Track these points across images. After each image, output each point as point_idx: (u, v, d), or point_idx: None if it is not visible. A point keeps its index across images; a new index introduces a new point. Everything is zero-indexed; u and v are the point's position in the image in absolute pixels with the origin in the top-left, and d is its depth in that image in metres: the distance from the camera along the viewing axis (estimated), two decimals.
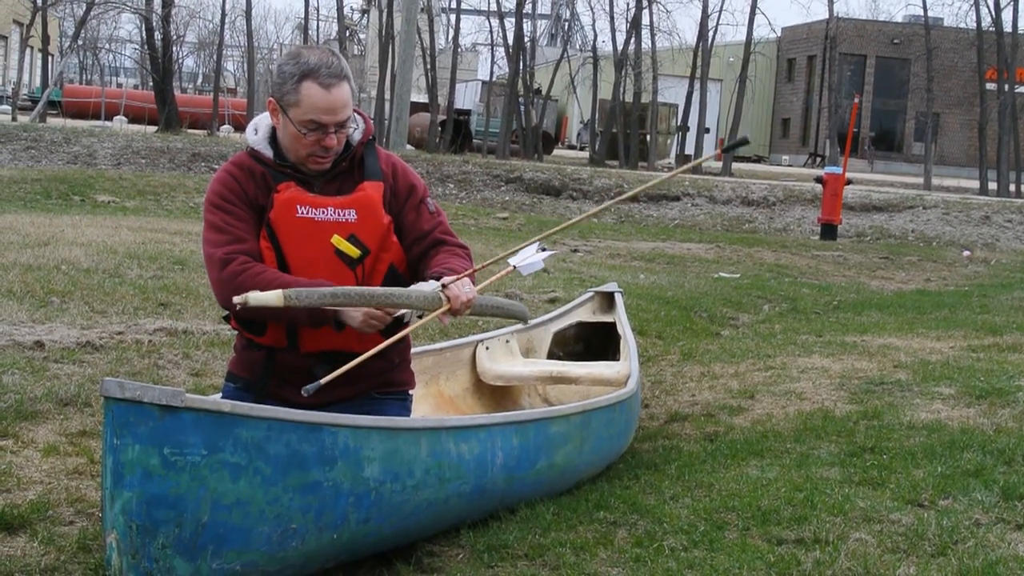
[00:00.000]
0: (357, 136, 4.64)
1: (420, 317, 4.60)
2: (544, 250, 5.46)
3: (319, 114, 4.42)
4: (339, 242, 4.47)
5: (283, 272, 4.46)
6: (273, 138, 4.61)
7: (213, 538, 3.75)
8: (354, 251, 4.48)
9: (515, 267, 5.36)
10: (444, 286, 4.45)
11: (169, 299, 9.53)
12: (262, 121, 4.66)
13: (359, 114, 4.68)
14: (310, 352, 4.56)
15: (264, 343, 4.60)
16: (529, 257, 5.38)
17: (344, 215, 4.52)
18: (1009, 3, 49.59)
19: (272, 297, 4.13)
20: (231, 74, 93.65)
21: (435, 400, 6.41)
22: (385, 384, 4.77)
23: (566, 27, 67.86)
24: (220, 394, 4.83)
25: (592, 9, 79.50)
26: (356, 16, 77.76)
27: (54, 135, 31.42)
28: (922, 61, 54.51)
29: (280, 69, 4.51)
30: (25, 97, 58.73)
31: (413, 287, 4.47)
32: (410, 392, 4.91)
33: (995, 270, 20.48)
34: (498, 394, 6.90)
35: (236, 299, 4.11)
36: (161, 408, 3.64)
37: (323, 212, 4.50)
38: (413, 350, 5.40)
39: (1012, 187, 47.35)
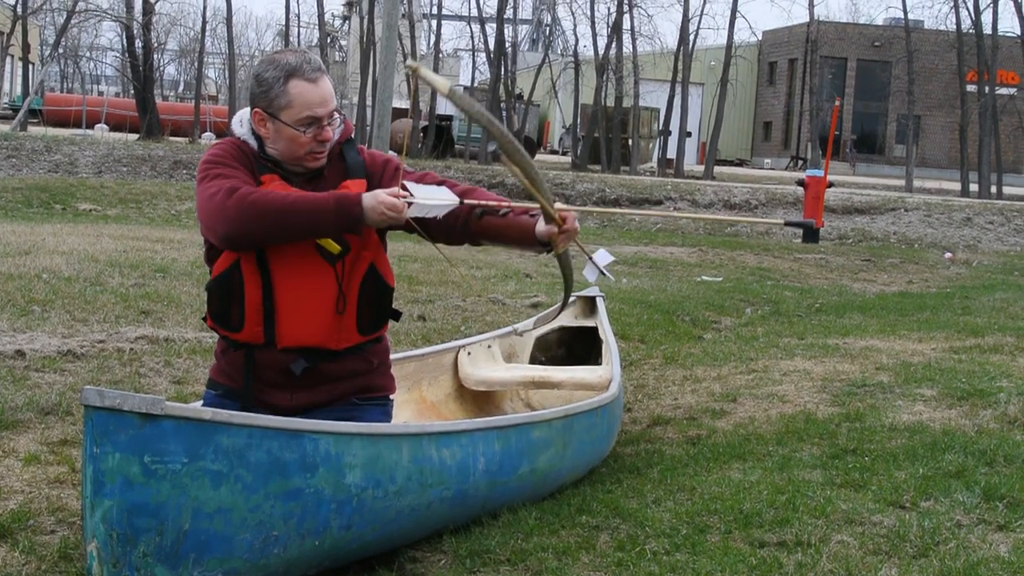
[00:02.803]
0: (335, 136, 4.64)
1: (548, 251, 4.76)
2: (603, 274, 5.55)
3: (314, 108, 4.44)
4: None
5: (264, 273, 4.47)
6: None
7: (195, 546, 3.73)
8: (335, 247, 4.48)
9: (590, 256, 5.43)
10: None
11: (151, 307, 9.52)
12: (246, 114, 4.64)
13: (338, 113, 4.68)
14: (288, 348, 4.54)
15: (241, 339, 4.58)
16: (599, 260, 5.45)
17: None
18: (989, 5, 49.89)
19: (440, 81, 4.20)
20: (212, 81, 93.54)
21: (417, 406, 6.40)
22: (365, 389, 4.76)
23: (547, 32, 67.96)
24: (201, 402, 4.82)
25: (573, 14, 79.36)
26: (337, 22, 77.81)
27: (35, 144, 31.38)
28: (903, 63, 54.71)
29: (260, 78, 4.49)
30: (6, 106, 58.63)
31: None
32: (391, 398, 4.90)
33: (977, 271, 20.54)
34: (480, 399, 6.90)
35: (409, 62, 4.19)
36: (141, 416, 3.62)
37: None
38: (394, 355, 5.40)
39: (993, 188, 47.50)
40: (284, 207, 4.34)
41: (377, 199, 4.36)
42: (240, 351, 4.62)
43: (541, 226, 4.60)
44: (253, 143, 4.60)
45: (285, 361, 4.57)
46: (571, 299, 5.60)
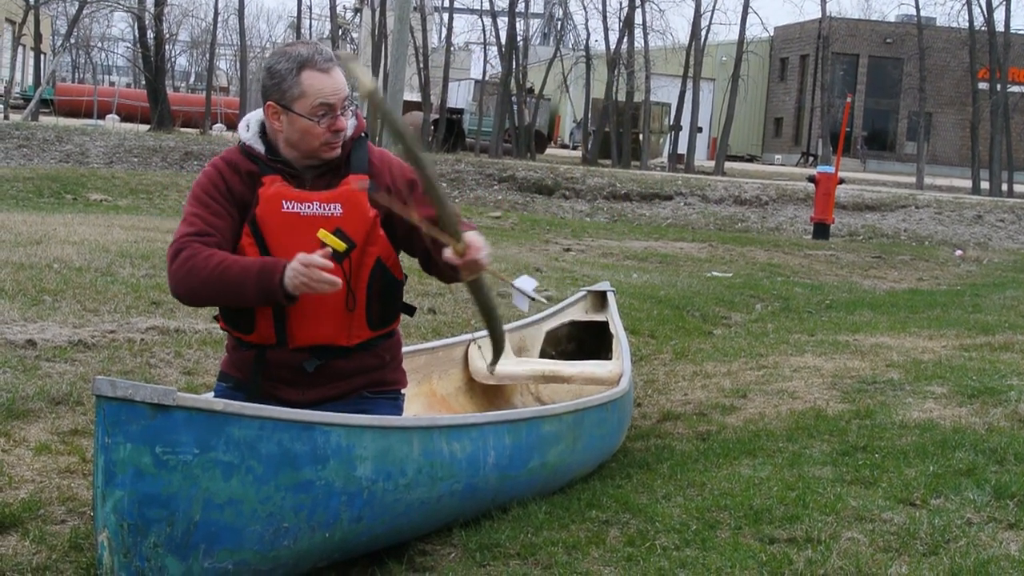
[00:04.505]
0: (348, 132, 4.63)
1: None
2: (533, 299, 5.47)
3: (327, 96, 4.44)
4: (325, 236, 4.43)
5: None
6: (263, 133, 4.60)
7: (205, 537, 3.74)
8: (340, 245, 4.45)
9: (513, 284, 5.35)
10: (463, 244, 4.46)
11: (161, 298, 9.51)
12: (253, 118, 4.64)
13: (353, 112, 4.67)
14: (299, 347, 4.56)
15: (253, 341, 4.59)
16: (527, 289, 5.36)
17: (330, 209, 4.50)
18: (1001, 3, 49.81)
19: (365, 80, 4.06)
20: (224, 72, 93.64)
21: (427, 399, 6.40)
22: (377, 383, 4.76)
23: (559, 26, 67.79)
24: (212, 393, 4.82)
25: (585, 8, 79.53)
26: (349, 15, 77.72)
27: (46, 133, 31.43)
28: (915, 60, 54.62)
29: (272, 70, 4.48)
30: (17, 95, 58.70)
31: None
32: (402, 391, 4.90)
33: (987, 269, 20.51)
34: (491, 393, 6.89)
35: (340, 51, 4.19)
36: (153, 407, 3.63)
37: (308, 207, 4.48)
38: (405, 349, 5.40)
39: (1004, 186, 47.44)
40: (214, 276, 4.36)
41: (297, 259, 4.29)
42: (252, 350, 4.63)
43: (448, 252, 4.41)
44: (259, 147, 4.58)
45: (297, 360, 4.58)
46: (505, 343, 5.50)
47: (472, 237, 4.40)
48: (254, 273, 4.34)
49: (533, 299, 5.47)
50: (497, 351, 5.55)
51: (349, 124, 4.61)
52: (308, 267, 4.25)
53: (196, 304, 4.59)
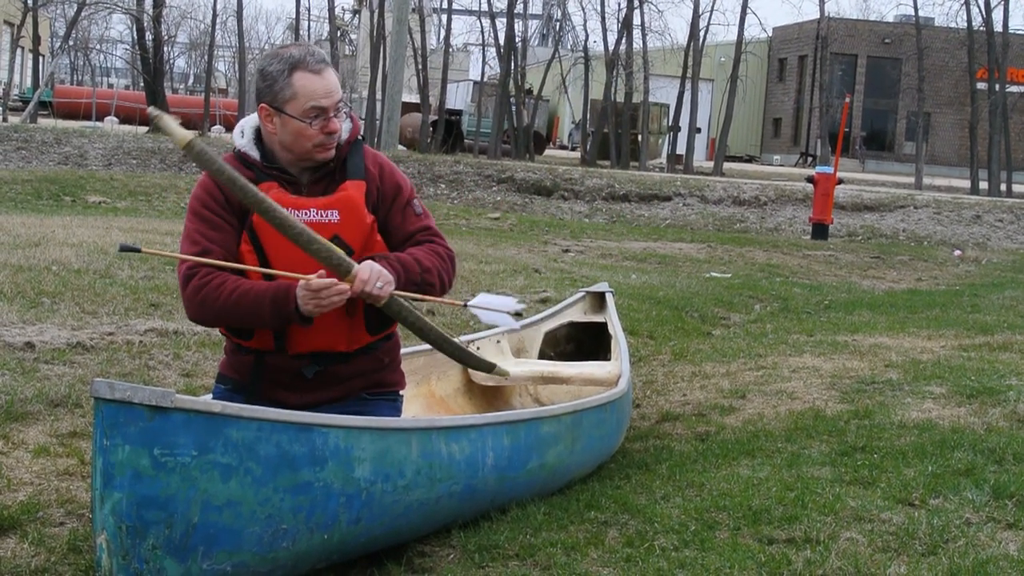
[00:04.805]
0: (344, 135, 4.62)
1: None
2: (519, 315, 5.40)
3: (319, 99, 4.43)
4: None
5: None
6: (258, 139, 4.59)
7: (203, 539, 3.74)
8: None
9: (467, 305, 5.24)
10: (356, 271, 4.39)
11: (160, 300, 9.51)
12: (248, 123, 4.63)
13: (348, 115, 4.66)
14: (299, 353, 4.55)
15: (252, 347, 4.58)
16: (494, 305, 5.26)
17: (327, 216, 4.50)
18: (1000, 3, 49.86)
19: (180, 134, 4.08)
20: (222, 74, 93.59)
21: (426, 400, 6.40)
22: (375, 385, 4.76)
23: (557, 27, 67.85)
24: (211, 395, 4.82)
25: (583, 9, 79.20)
26: (347, 16, 77.79)
27: (45, 136, 31.41)
28: (913, 61, 54.64)
29: (264, 72, 4.48)
30: (16, 98, 58.70)
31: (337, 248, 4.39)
32: (400, 393, 4.90)
33: (986, 269, 20.51)
34: (489, 394, 6.89)
35: (151, 109, 4.16)
36: (151, 409, 3.63)
37: (306, 214, 4.46)
38: (404, 350, 5.40)
39: (1003, 187, 47.46)
40: (228, 304, 4.39)
41: (301, 288, 4.32)
42: (250, 355, 4.62)
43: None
44: (254, 153, 4.57)
45: (296, 366, 4.58)
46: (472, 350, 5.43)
47: (361, 269, 4.38)
48: (268, 301, 4.37)
49: (518, 313, 5.41)
50: (466, 364, 5.54)
51: (344, 126, 4.60)
52: (314, 292, 4.30)
53: (210, 324, 4.63)
